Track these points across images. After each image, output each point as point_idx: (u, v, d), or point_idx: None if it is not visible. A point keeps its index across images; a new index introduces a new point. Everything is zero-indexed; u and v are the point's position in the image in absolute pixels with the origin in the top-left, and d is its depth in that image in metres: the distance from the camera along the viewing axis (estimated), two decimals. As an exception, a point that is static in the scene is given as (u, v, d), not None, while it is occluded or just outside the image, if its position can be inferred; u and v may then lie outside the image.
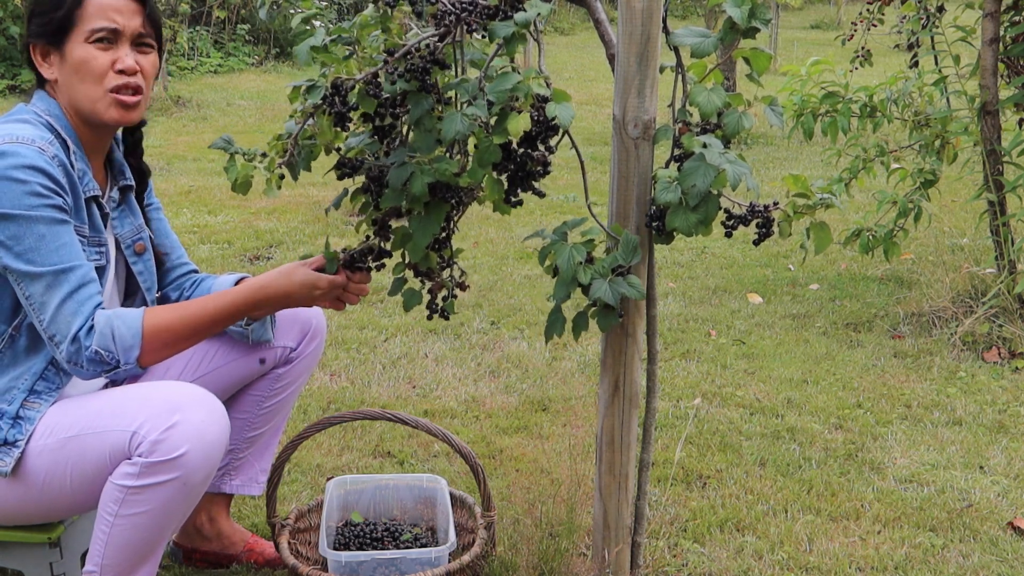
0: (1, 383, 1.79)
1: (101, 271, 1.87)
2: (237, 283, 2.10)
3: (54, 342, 1.73)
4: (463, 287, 1.97)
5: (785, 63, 6.50)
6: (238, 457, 2.21)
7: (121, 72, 1.81)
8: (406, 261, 1.93)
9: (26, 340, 1.80)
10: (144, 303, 2.02)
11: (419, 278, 1.95)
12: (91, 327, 1.72)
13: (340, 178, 1.85)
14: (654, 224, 1.83)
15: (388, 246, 1.92)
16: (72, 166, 1.79)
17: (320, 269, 1.93)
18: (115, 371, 1.75)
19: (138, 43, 1.84)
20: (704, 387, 3.31)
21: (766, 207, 1.82)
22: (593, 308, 1.82)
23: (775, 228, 1.82)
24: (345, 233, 5.04)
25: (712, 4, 1.86)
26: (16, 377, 1.80)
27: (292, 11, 11.50)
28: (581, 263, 1.78)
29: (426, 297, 1.96)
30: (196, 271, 2.18)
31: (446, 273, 1.96)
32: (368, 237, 1.91)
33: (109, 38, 1.80)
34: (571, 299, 1.82)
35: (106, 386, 1.98)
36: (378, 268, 1.94)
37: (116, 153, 1.97)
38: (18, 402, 1.78)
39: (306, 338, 2.19)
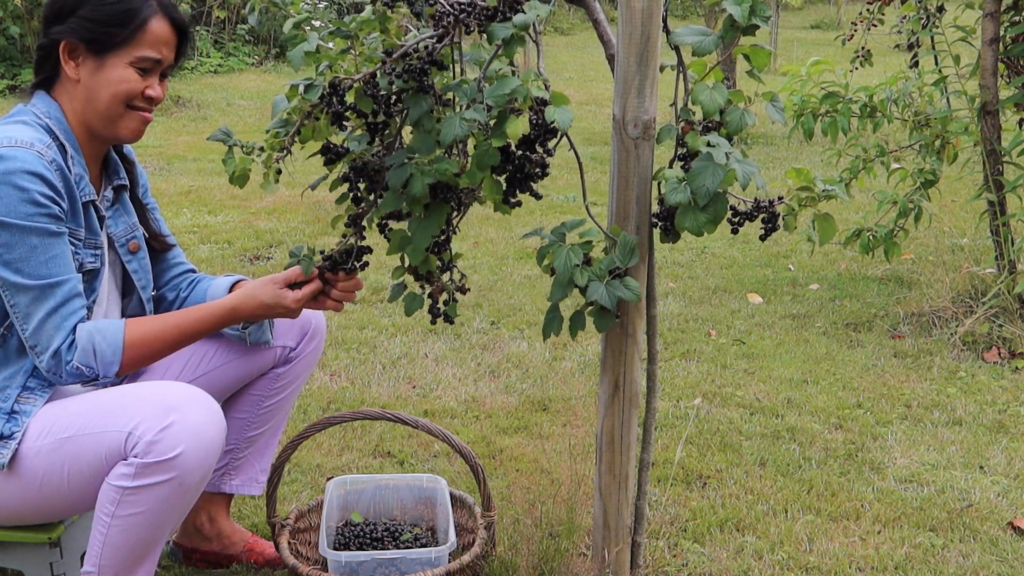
0: None
1: (96, 273, 1.87)
2: (234, 286, 2.09)
3: (35, 352, 1.76)
4: (463, 290, 1.96)
5: (785, 63, 6.50)
6: (238, 457, 2.21)
7: (149, 100, 1.86)
8: (405, 265, 1.93)
9: (18, 340, 1.80)
10: (140, 302, 2.02)
11: (419, 282, 1.95)
12: (72, 342, 1.75)
13: (326, 164, 1.85)
14: (661, 224, 1.83)
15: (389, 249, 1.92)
16: (69, 170, 1.79)
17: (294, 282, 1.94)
18: (94, 383, 1.80)
19: (164, 72, 1.90)
20: (704, 387, 3.31)
21: (771, 202, 1.82)
22: (590, 308, 1.82)
23: (780, 222, 1.82)
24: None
25: (711, 2, 1.86)
26: (9, 376, 1.80)
27: (286, 15, 11.52)
28: (578, 265, 1.78)
29: (427, 301, 1.95)
30: (193, 271, 2.17)
31: (446, 276, 1.95)
32: (345, 236, 1.91)
33: (151, 67, 1.85)
34: (570, 297, 1.82)
35: (104, 386, 1.98)
36: (362, 267, 1.94)
37: (111, 153, 1.98)
38: (12, 399, 1.78)
39: (306, 338, 2.19)
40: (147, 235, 2.05)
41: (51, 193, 1.73)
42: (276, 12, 1.86)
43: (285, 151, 1.79)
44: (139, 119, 1.86)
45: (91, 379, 1.78)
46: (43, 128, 1.80)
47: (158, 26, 1.84)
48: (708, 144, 1.73)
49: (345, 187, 1.86)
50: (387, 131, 1.83)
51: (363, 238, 1.91)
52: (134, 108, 1.85)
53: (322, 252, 1.94)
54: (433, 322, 1.95)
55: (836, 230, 1.86)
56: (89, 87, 1.83)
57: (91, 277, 1.86)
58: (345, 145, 1.85)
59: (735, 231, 1.84)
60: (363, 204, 1.87)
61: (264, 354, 2.15)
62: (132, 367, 1.81)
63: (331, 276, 1.94)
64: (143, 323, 1.83)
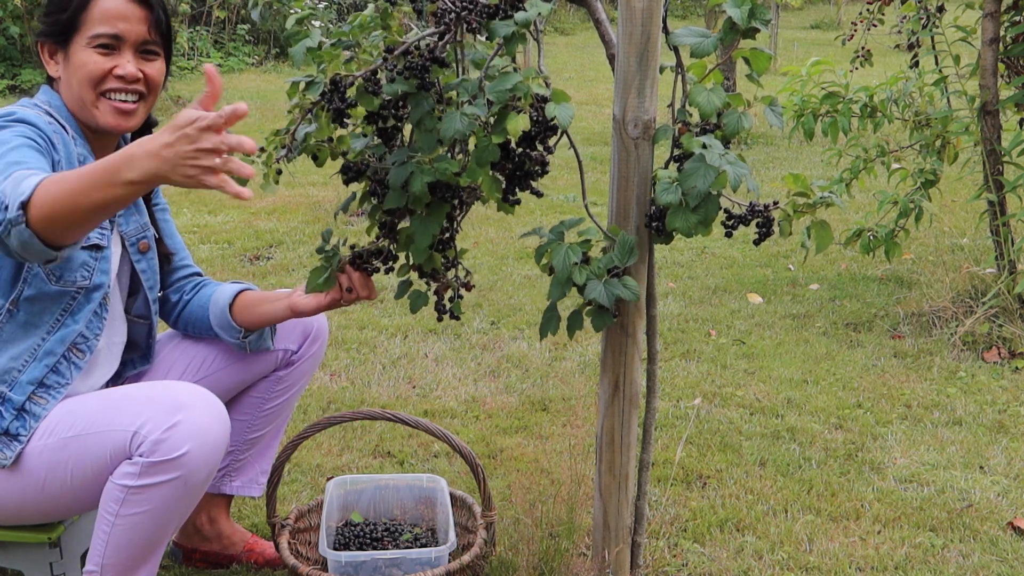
0: (0, 362, 1.79)
1: (100, 250, 1.84)
2: (239, 293, 2.09)
3: None
4: (468, 287, 1.96)
5: (785, 63, 6.50)
6: (238, 459, 2.21)
7: (120, 78, 1.81)
8: (410, 263, 1.93)
9: (24, 315, 1.79)
10: (146, 301, 2.02)
11: (424, 279, 1.95)
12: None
13: (346, 183, 1.85)
14: (654, 224, 1.83)
15: (396, 249, 1.92)
16: (68, 143, 1.80)
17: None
18: (5, 221, 1.49)
19: (143, 50, 1.85)
20: (704, 387, 3.31)
21: (766, 206, 1.82)
22: (588, 307, 1.82)
23: (775, 227, 1.82)
24: (345, 232, 5.05)
25: (712, 4, 1.86)
26: (15, 357, 1.79)
27: (288, 11, 11.49)
28: (576, 263, 1.78)
29: (432, 299, 1.96)
30: (199, 274, 2.17)
31: (451, 273, 1.95)
32: (378, 238, 1.92)
33: (111, 44, 1.81)
34: (568, 296, 1.82)
35: (108, 385, 1.98)
36: (387, 271, 1.94)
37: None
38: (24, 391, 1.78)
39: (308, 341, 2.18)
40: (157, 236, 2.05)
41: (41, 133, 1.72)
42: (279, 7, 1.84)
43: (286, 150, 1.79)
44: (111, 108, 1.82)
45: (3, 215, 1.49)
46: (44, 112, 1.82)
47: (109, 1, 1.81)
48: (703, 146, 1.73)
49: (373, 200, 1.86)
50: (399, 135, 1.84)
51: (395, 242, 1.90)
52: (107, 95, 1.82)
53: (352, 246, 1.93)
54: (439, 319, 1.95)
55: (832, 239, 1.86)
56: (66, 80, 1.84)
57: (97, 253, 1.83)
58: (352, 147, 1.86)
59: (729, 235, 1.83)
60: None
61: (266, 357, 2.15)
62: (40, 208, 1.48)
63: (351, 270, 1.93)
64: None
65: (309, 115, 1.78)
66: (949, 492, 2.65)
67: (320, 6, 11.07)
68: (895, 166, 4.03)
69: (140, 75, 1.83)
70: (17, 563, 1.89)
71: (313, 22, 1.80)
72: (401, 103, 1.78)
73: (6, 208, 1.49)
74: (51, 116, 1.81)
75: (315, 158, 1.87)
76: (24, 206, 1.47)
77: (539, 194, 1.84)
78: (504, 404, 3.18)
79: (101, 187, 1.48)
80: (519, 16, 1.67)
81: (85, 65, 1.80)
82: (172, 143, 1.43)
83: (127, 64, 1.82)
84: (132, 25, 1.82)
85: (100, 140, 1.89)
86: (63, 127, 1.82)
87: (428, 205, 1.81)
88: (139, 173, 1.46)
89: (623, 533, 2.06)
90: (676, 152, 1.81)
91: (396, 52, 1.71)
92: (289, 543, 2.10)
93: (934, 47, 4.20)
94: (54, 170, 1.72)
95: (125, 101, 1.83)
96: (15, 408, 1.77)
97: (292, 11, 1.82)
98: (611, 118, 1.88)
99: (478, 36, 1.76)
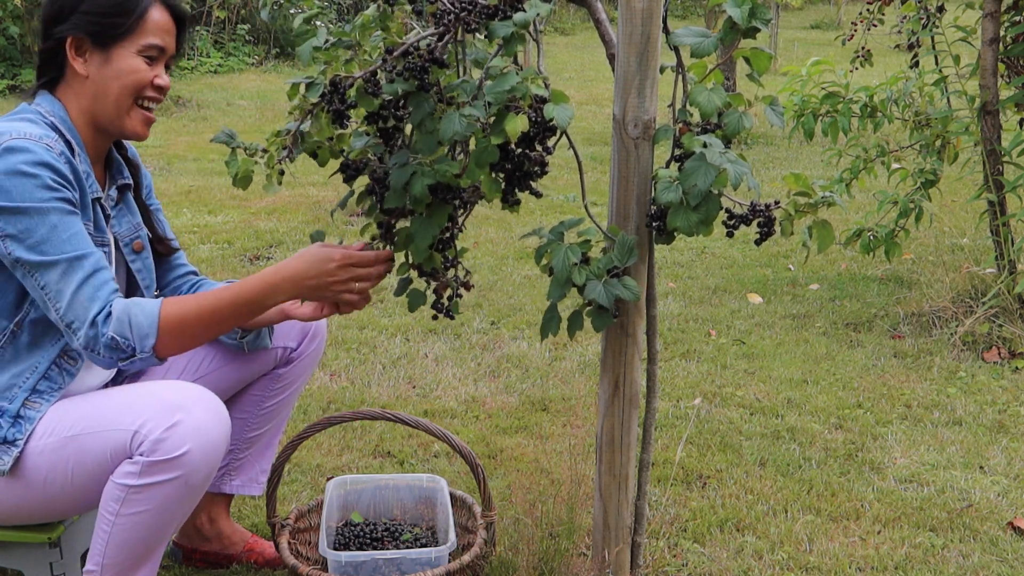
0: (2, 380, 1.79)
1: None
2: None
3: (72, 329, 1.72)
4: (468, 287, 1.96)
5: (785, 63, 6.51)
6: (238, 457, 2.21)
7: (158, 89, 1.86)
8: (410, 262, 1.93)
9: (28, 336, 1.80)
10: None
11: (424, 278, 1.95)
12: (109, 313, 1.71)
13: (346, 180, 1.85)
14: (655, 224, 1.83)
15: (392, 248, 1.91)
16: (76, 167, 1.79)
17: None
18: (131, 360, 1.73)
19: (167, 63, 1.90)
20: (704, 387, 3.31)
21: (767, 206, 1.81)
22: (589, 308, 1.82)
23: (777, 227, 1.82)
24: (345, 233, 5.05)
25: (712, 4, 1.86)
26: (17, 375, 1.79)
27: (293, 11, 11.49)
28: (576, 264, 1.78)
29: (431, 297, 1.95)
30: (195, 273, 2.17)
31: (450, 273, 1.95)
32: (373, 238, 1.91)
33: (156, 56, 1.86)
34: (569, 296, 1.82)
35: (107, 385, 1.98)
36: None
37: (113, 152, 1.98)
38: (19, 401, 1.78)
39: (307, 338, 2.18)
40: (151, 236, 2.05)
41: (63, 181, 1.74)
42: (286, 8, 1.86)
43: (287, 150, 1.79)
44: (142, 117, 1.87)
45: (128, 355, 1.72)
46: (48, 125, 1.81)
47: (158, 14, 1.85)
48: (704, 145, 1.73)
49: (371, 199, 1.86)
50: (398, 135, 1.83)
51: (392, 245, 1.89)
52: (141, 105, 1.86)
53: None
54: (435, 318, 1.95)
55: (834, 238, 1.86)
56: (98, 81, 1.83)
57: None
58: (352, 146, 1.85)
59: (730, 235, 1.83)
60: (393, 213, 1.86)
61: (264, 355, 2.15)
62: (171, 343, 1.75)
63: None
64: (182, 299, 1.79)
65: (310, 116, 1.79)
66: (949, 492, 2.65)
67: (322, 4, 11.07)
68: (895, 166, 4.04)
69: (170, 87, 1.90)
70: (17, 563, 1.89)
71: (315, 22, 1.80)
72: (402, 104, 1.77)
73: (133, 351, 1.72)
74: (57, 130, 1.81)
75: (315, 156, 1.87)
76: (154, 348, 1.73)
77: (538, 194, 1.84)
78: (504, 404, 3.18)
79: (245, 315, 1.82)
80: (517, 17, 1.67)
81: (136, 72, 1.83)
82: (314, 276, 1.81)
83: (164, 75, 1.88)
84: (171, 39, 1.89)
85: (97, 149, 1.90)
86: (68, 143, 1.81)
87: (429, 206, 1.81)
88: (283, 297, 1.83)
89: (623, 533, 2.06)
90: (677, 152, 1.81)
91: (395, 53, 1.71)
92: (289, 543, 2.10)
93: (934, 47, 4.20)
94: (72, 207, 1.75)
95: (151, 111, 1.88)
96: (11, 416, 1.77)
97: (299, 10, 1.83)
98: (611, 118, 1.88)
99: (478, 36, 1.76)
